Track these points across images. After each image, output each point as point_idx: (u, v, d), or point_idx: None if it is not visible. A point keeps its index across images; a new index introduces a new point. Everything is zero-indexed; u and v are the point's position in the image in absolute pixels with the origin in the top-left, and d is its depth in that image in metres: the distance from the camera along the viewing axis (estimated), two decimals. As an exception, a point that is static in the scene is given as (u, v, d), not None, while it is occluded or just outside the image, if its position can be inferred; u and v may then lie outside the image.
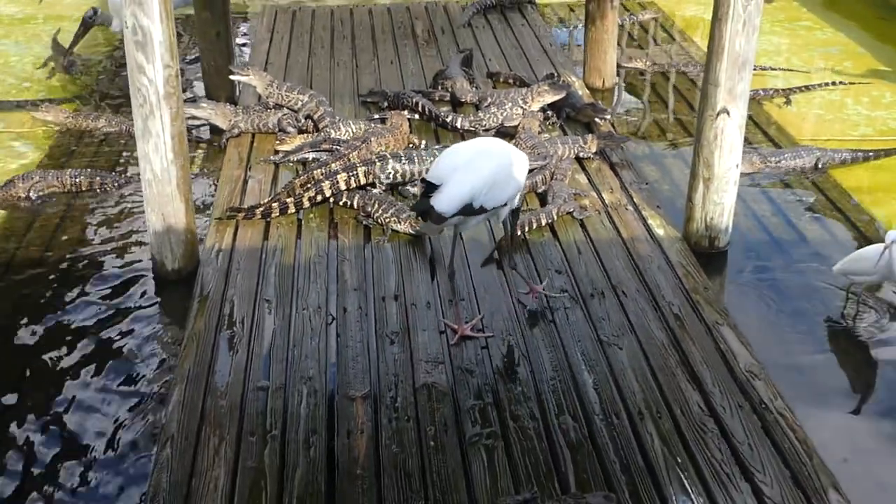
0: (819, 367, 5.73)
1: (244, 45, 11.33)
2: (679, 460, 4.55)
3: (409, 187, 7.03)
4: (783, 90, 9.70)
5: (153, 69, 5.83)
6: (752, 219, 7.30)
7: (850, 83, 9.95)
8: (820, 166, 7.95)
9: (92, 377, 5.57)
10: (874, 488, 4.86)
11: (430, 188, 5.11)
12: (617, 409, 4.90)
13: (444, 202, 5.05)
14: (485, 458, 4.57)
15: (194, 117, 8.29)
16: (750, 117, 7.46)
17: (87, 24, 10.23)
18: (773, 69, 10.36)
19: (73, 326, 6.01)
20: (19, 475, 4.87)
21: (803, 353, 5.84)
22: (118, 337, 5.91)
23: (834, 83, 9.91)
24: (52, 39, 10.95)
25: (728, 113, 6.26)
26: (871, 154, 8.19)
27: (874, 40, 11.40)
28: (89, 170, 7.82)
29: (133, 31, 5.75)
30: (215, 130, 8.42)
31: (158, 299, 6.30)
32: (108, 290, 6.38)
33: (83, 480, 4.85)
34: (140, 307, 6.21)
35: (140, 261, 6.70)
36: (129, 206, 7.44)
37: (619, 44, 10.22)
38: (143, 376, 5.58)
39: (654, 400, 4.96)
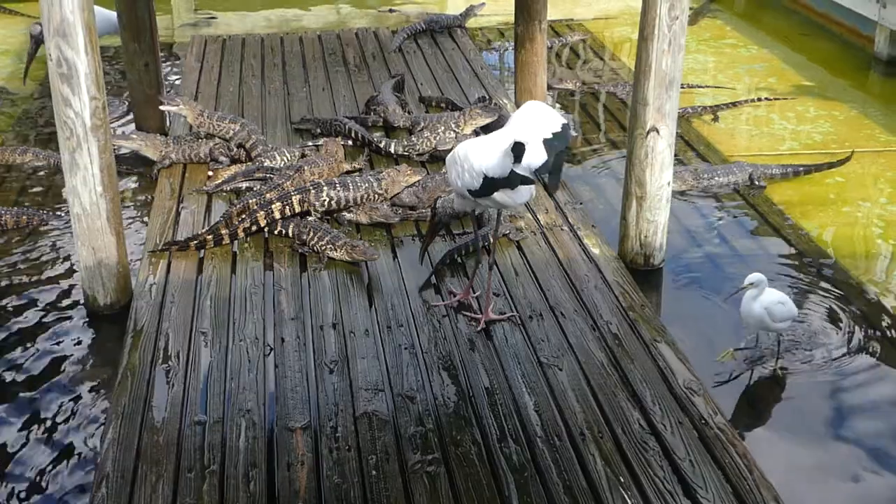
0: (757, 381, 5.78)
1: (174, 75, 11.21)
2: (622, 480, 4.54)
3: (344, 214, 6.97)
4: (711, 107, 9.84)
5: (79, 101, 5.73)
6: (686, 235, 7.37)
7: (776, 99, 10.12)
8: (755, 182, 8.05)
9: (22, 416, 5.42)
10: (815, 500, 4.91)
11: (518, 150, 4.92)
12: (559, 430, 4.88)
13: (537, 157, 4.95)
14: (428, 485, 4.51)
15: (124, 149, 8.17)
16: (680, 135, 7.56)
17: (37, 40, 9.96)
18: (700, 87, 10.53)
19: (1, 365, 5.84)
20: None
21: (741, 367, 5.88)
22: (49, 374, 5.76)
23: (759, 99, 10.09)
24: None
25: (658, 131, 6.32)
26: (801, 169, 8.31)
27: (797, 56, 11.64)
28: (15, 208, 7.65)
29: (58, 64, 5.64)
30: (146, 162, 8.27)
31: (91, 335, 6.16)
32: (39, 327, 6.22)
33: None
34: (72, 343, 6.06)
35: (71, 296, 6.55)
36: (59, 241, 7.28)
37: (548, 66, 10.28)
38: (76, 414, 5.44)
39: (595, 420, 4.94)
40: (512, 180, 5.02)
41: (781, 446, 5.23)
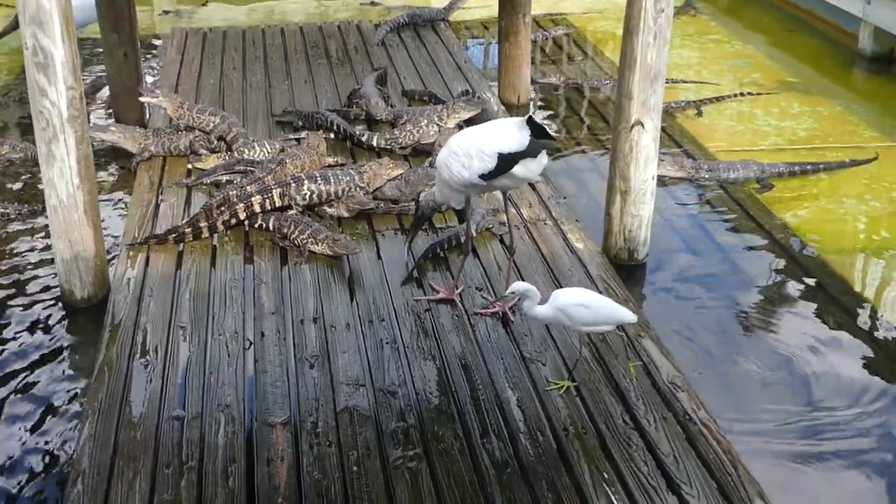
0: (739, 375, 5.76)
1: (154, 67, 11.11)
2: (605, 476, 4.51)
3: (325, 208, 6.91)
4: (695, 102, 9.82)
5: (56, 91, 5.64)
6: (670, 230, 7.35)
7: (759, 94, 10.12)
8: (761, 181, 8.01)
9: (-4, 412, 5.36)
10: (798, 495, 4.89)
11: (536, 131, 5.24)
12: (542, 426, 4.84)
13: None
14: (409, 480, 4.46)
15: (103, 141, 8.09)
16: (664, 129, 7.51)
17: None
18: (684, 82, 10.51)
19: (-24, 360, 5.77)
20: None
21: (723, 362, 5.87)
22: (24, 369, 5.68)
23: (743, 94, 10.08)
24: None
25: (642, 125, 6.28)
26: (808, 167, 8.26)
27: (781, 52, 11.66)
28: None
29: (34, 53, 5.55)
30: (125, 154, 8.18)
31: (67, 329, 6.08)
32: (14, 321, 6.15)
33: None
34: (48, 337, 5.99)
35: (47, 290, 6.47)
36: (36, 234, 7.19)
37: (532, 60, 10.25)
38: (52, 410, 5.37)
39: (578, 416, 4.91)
40: (534, 149, 5.27)
41: (767, 441, 5.21)
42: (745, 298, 6.51)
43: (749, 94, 10.09)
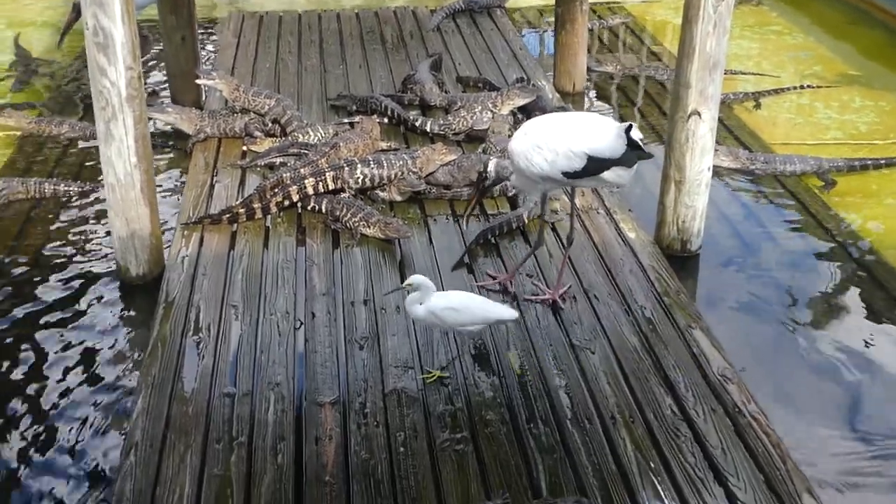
0: (792, 370, 5.73)
1: (211, 50, 11.24)
2: (652, 465, 4.52)
3: (378, 192, 6.98)
4: (753, 93, 9.74)
5: (115, 71, 5.75)
6: (725, 222, 7.31)
7: (819, 87, 10.00)
8: (822, 177, 7.93)
9: (54, 385, 5.49)
10: (848, 492, 4.87)
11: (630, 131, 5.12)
12: (589, 413, 4.86)
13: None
14: (455, 463, 4.52)
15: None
16: (721, 120, 7.47)
17: (79, 9, 9.92)
18: (743, 73, 10.41)
19: (35, 334, 5.91)
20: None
21: (776, 356, 5.84)
22: (81, 344, 5.82)
23: (803, 87, 9.97)
24: (15, 44, 10.82)
25: (699, 115, 6.25)
26: (869, 163, 8.16)
27: (843, 45, 11.49)
28: (54, 178, 7.73)
29: (94, 33, 5.66)
30: (181, 135, 8.32)
31: (123, 305, 6.21)
32: (72, 297, 6.29)
33: (44, 492, 4.75)
34: (104, 313, 6.12)
35: (104, 267, 6.61)
36: (94, 212, 7.34)
37: (588, 48, 10.23)
38: (107, 384, 5.49)
39: (626, 404, 4.92)
40: (629, 159, 5.16)
41: (818, 437, 5.18)
42: (800, 293, 6.46)
43: (809, 86, 9.98)
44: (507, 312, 5.17)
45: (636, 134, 5.14)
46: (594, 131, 5.26)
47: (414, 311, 5.11)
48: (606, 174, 5.24)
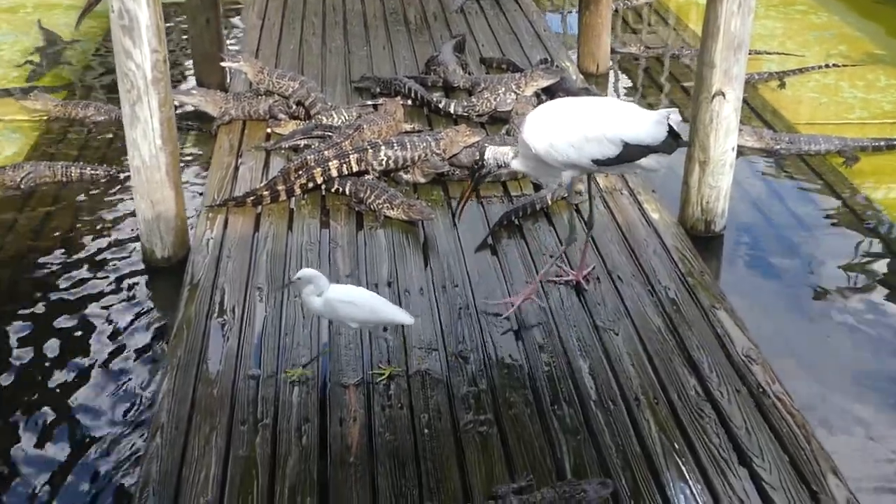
0: (816, 350, 5.68)
1: (235, 32, 11.23)
2: (676, 446, 4.49)
3: (401, 174, 6.95)
4: (777, 73, 9.63)
5: (140, 54, 5.74)
6: (749, 203, 7.25)
7: (844, 66, 9.88)
8: (845, 154, 7.84)
9: (80, 365, 5.51)
10: (873, 471, 4.82)
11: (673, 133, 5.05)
12: (613, 394, 4.83)
13: None
14: (479, 445, 4.50)
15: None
16: (745, 100, 7.39)
17: None
18: (767, 53, 10.31)
19: (61, 315, 5.93)
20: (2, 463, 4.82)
21: (800, 336, 5.79)
22: (106, 324, 5.84)
23: (828, 65, 9.85)
24: (39, 27, 10.85)
25: (724, 95, 6.19)
26: (895, 143, 8.05)
27: (869, 24, 11.35)
28: (80, 161, 7.75)
29: (119, 15, 5.65)
30: (206, 118, 8.31)
31: (148, 287, 6.23)
32: (98, 278, 6.31)
33: (71, 472, 4.78)
34: (129, 295, 6.14)
35: (129, 249, 6.62)
36: (119, 195, 7.36)
37: (612, 29, 10.14)
38: (133, 364, 5.51)
39: (650, 385, 4.89)
40: (669, 145, 5.04)
41: (843, 418, 5.14)
42: (824, 273, 6.41)
43: (835, 65, 9.86)
44: (403, 316, 4.93)
45: (676, 118, 5.04)
46: (631, 117, 5.10)
47: (310, 303, 4.90)
48: (644, 161, 5.10)
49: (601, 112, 5.17)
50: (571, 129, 5.07)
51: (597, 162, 5.09)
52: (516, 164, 5.41)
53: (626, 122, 5.05)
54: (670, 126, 5.02)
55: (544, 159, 5.19)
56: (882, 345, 5.72)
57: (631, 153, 5.04)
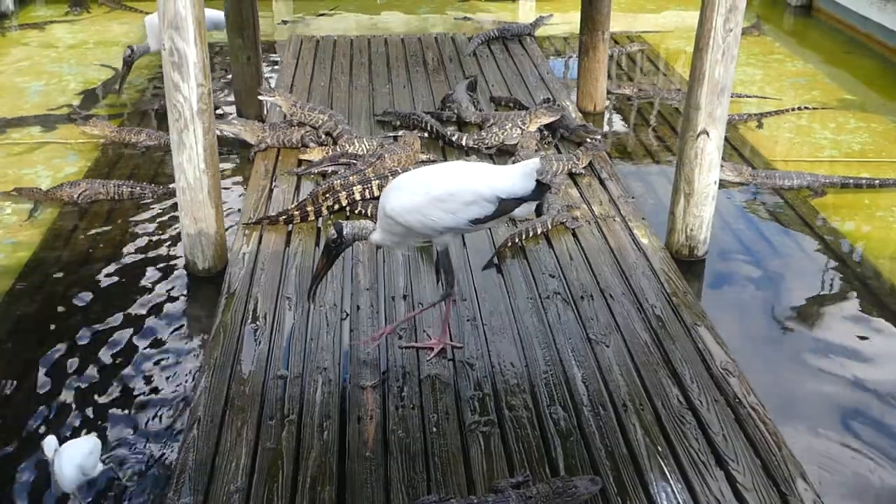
0: (788, 365, 5.64)
1: (272, 69, 11.27)
2: (659, 449, 4.47)
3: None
4: (756, 115, 9.61)
5: (188, 87, 5.77)
6: (729, 231, 7.22)
7: (816, 108, 9.86)
8: (814, 188, 7.80)
9: (127, 364, 5.51)
10: (839, 476, 4.78)
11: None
12: (603, 401, 4.81)
13: None
14: (482, 443, 4.48)
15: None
16: (727, 139, 7.38)
17: (128, 63, 9.93)
18: (748, 96, 10.28)
19: (111, 319, 5.94)
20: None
21: (774, 352, 5.76)
22: (153, 328, 5.84)
23: (802, 108, 9.83)
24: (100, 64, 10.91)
25: (708, 134, 6.18)
26: (863, 182, 7.98)
27: (840, 72, 11.33)
28: (131, 180, 7.79)
29: (170, 53, 5.68)
30: (245, 145, 8.34)
31: (189, 295, 6.23)
32: (145, 287, 6.32)
33: (116, 456, 4.77)
34: (173, 302, 6.14)
35: (174, 261, 6.64)
36: (166, 212, 7.38)
37: (608, 73, 10.14)
38: (175, 363, 5.51)
39: (637, 394, 4.87)
40: (538, 193, 4.68)
41: (812, 427, 5.10)
42: (795, 295, 6.37)
43: (807, 108, 9.83)
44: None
45: (538, 166, 4.63)
46: (500, 174, 4.73)
47: (64, 476, 4.34)
48: (517, 210, 4.75)
49: (467, 175, 4.79)
50: (444, 197, 4.69)
51: (475, 222, 4.74)
52: (376, 238, 4.95)
53: (498, 180, 4.68)
54: (537, 178, 4.64)
55: (418, 231, 4.80)
56: (847, 359, 5.68)
57: (506, 208, 4.70)
